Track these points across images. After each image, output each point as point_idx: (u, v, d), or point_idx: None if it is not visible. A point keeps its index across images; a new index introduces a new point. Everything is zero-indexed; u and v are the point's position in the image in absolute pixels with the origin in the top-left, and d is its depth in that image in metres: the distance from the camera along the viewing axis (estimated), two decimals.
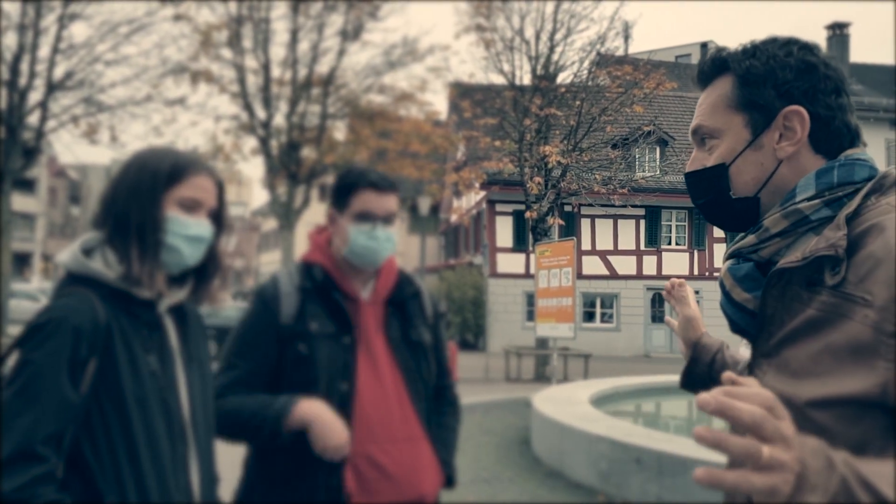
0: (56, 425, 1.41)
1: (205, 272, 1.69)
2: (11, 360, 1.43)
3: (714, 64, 1.25)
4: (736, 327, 1.24)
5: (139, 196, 1.56)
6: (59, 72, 15.11)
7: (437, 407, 2.14)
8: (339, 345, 1.94)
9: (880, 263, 1.00)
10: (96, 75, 15.45)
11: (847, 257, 1.04)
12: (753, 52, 1.21)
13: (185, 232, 1.58)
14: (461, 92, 16.38)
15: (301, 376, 1.92)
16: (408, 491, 1.93)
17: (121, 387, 1.48)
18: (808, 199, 1.14)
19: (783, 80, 1.17)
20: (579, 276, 11.90)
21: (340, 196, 2.03)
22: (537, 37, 15.26)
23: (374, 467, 1.90)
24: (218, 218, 1.67)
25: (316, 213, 38.37)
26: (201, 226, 1.61)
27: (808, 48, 1.19)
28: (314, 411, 1.83)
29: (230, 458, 1.99)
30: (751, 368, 1.20)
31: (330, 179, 24.31)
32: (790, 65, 1.17)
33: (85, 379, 1.45)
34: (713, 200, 1.26)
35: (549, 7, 15.27)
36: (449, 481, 2.09)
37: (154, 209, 1.55)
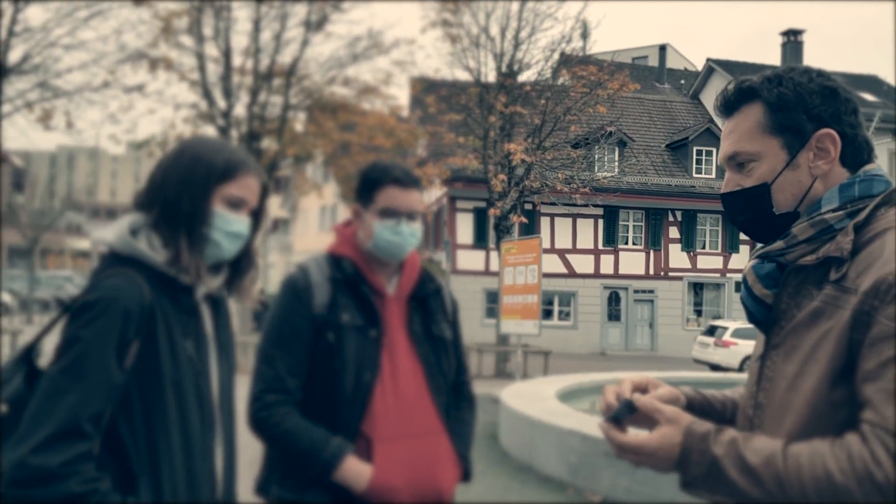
0: (101, 404, 1.41)
1: (238, 266, 1.72)
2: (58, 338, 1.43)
3: (741, 93, 1.36)
4: (753, 318, 1.37)
5: (191, 188, 1.57)
6: (14, 55, 14.63)
7: (455, 402, 2.17)
8: (366, 338, 1.96)
9: (875, 261, 1.16)
10: (53, 60, 14.98)
11: (851, 258, 1.20)
12: (779, 80, 1.32)
13: (228, 228, 1.61)
14: (426, 87, 16.37)
15: (329, 367, 1.93)
16: (427, 487, 1.95)
17: (160, 370, 1.49)
18: (833, 210, 1.27)
19: (812, 105, 1.29)
20: None
21: (365, 192, 2.04)
22: (503, 34, 15.34)
23: (395, 462, 1.91)
24: (256, 216, 1.70)
25: (272, 204, 37.90)
26: (243, 223, 1.64)
27: (823, 74, 1.33)
28: (360, 481, 1.86)
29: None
30: (762, 359, 1.34)
31: (287, 172, 24.03)
32: (815, 90, 1.30)
33: (127, 360, 1.45)
34: (755, 217, 1.37)
35: (515, 5, 15.37)
36: (466, 475, 2.10)
37: (204, 203, 1.58)
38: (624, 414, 1.32)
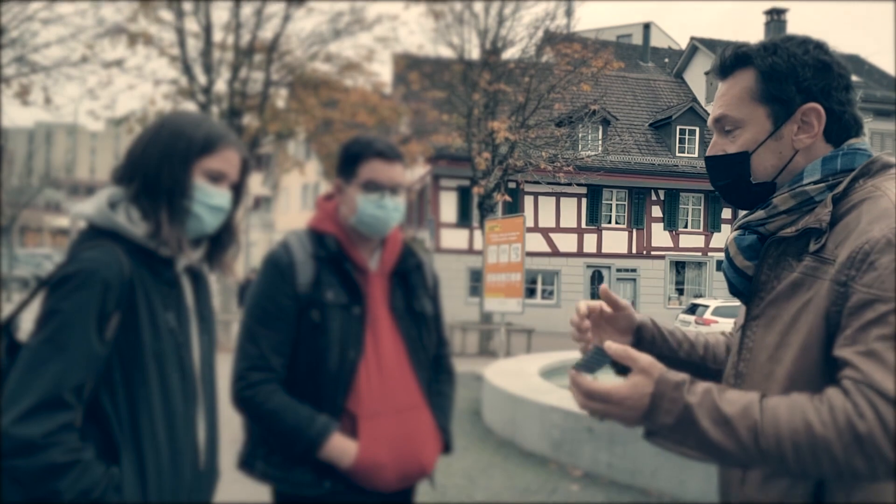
0: (82, 375, 1.42)
1: (220, 240, 1.73)
2: (37, 309, 1.43)
3: (736, 57, 1.35)
4: (734, 290, 1.39)
5: (171, 161, 1.57)
6: None
7: (435, 375, 2.17)
8: (350, 315, 1.95)
9: (851, 232, 1.18)
10: (30, 34, 14.71)
11: (830, 229, 1.22)
12: (774, 49, 1.31)
13: (209, 201, 1.61)
14: (409, 64, 16.23)
15: (314, 344, 1.92)
16: (411, 461, 1.96)
17: (141, 341, 1.49)
18: (814, 183, 1.28)
19: (803, 78, 1.29)
20: None
21: (347, 165, 2.02)
22: (486, 11, 15.22)
23: (380, 438, 1.91)
24: (237, 190, 1.71)
25: (253, 181, 37.58)
26: (223, 196, 1.65)
27: (820, 47, 1.32)
28: (346, 458, 1.87)
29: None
30: (743, 329, 1.36)
31: (268, 149, 23.80)
32: (809, 63, 1.29)
33: (108, 331, 1.46)
34: (733, 183, 1.37)
35: None
36: (447, 448, 2.12)
37: (184, 176, 1.58)
38: (595, 363, 1.24)
